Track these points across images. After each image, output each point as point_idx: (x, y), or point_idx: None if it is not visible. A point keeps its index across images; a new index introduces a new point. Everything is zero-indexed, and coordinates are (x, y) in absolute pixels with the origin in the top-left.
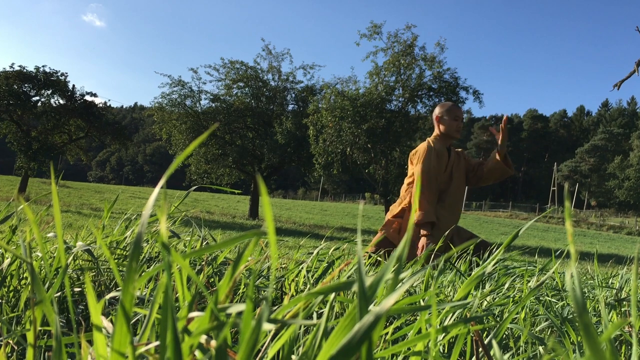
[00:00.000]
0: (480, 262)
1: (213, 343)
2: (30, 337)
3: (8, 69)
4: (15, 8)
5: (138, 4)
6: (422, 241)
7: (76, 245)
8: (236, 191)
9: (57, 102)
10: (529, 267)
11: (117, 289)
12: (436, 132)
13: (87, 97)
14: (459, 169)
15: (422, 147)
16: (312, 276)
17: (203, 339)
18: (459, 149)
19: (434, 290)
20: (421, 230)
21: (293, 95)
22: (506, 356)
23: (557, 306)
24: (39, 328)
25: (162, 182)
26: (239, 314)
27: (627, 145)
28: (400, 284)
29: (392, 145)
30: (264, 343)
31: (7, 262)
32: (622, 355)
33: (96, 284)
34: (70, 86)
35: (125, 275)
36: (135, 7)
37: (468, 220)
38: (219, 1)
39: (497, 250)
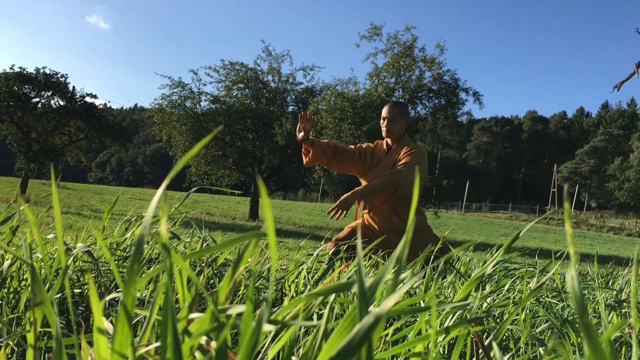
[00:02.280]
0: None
1: (213, 344)
2: (30, 338)
3: (8, 70)
4: (15, 8)
5: (138, 5)
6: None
7: (76, 246)
8: (236, 192)
9: (57, 103)
10: (529, 269)
11: (118, 290)
12: None
13: (87, 99)
14: (384, 166)
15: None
16: (312, 277)
17: (203, 340)
18: (411, 146)
19: (434, 291)
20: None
21: (293, 96)
22: (506, 357)
23: (557, 307)
24: (39, 329)
25: (164, 185)
26: (239, 315)
27: (627, 146)
28: (400, 285)
29: None
30: (264, 344)
31: (7, 263)
32: (622, 356)
33: (96, 286)
34: (71, 87)
35: (126, 277)
36: (136, 8)
37: (468, 221)
38: (219, 1)
39: (498, 252)
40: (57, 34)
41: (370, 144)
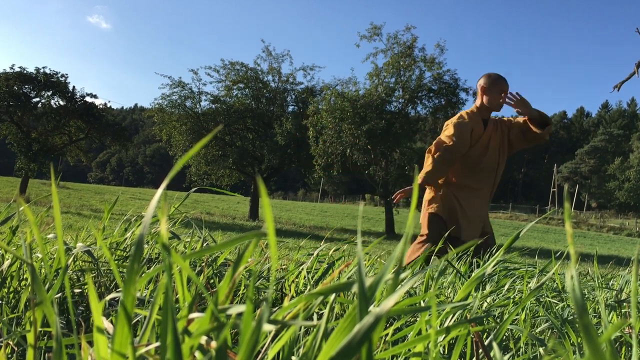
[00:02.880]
0: (482, 263)
1: (213, 344)
2: (30, 338)
3: (8, 70)
4: (16, 8)
5: (138, 5)
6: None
7: (76, 246)
8: (233, 194)
9: (57, 103)
10: (529, 269)
11: (118, 290)
12: (477, 103)
13: (87, 99)
14: (495, 142)
15: (454, 118)
16: (312, 277)
17: (203, 339)
18: (501, 118)
19: (434, 291)
20: (426, 190)
21: (293, 96)
22: (506, 357)
23: (557, 307)
24: (39, 329)
25: (163, 185)
26: (239, 315)
27: (627, 146)
28: (400, 285)
29: (392, 146)
30: (264, 344)
31: (7, 263)
32: (622, 356)
33: (96, 285)
34: (71, 87)
35: (126, 276)
36: (136, 8)
37: None
38: (220, 1)
39: (498, 252)
40: (58, 34)
41: (464, 118)
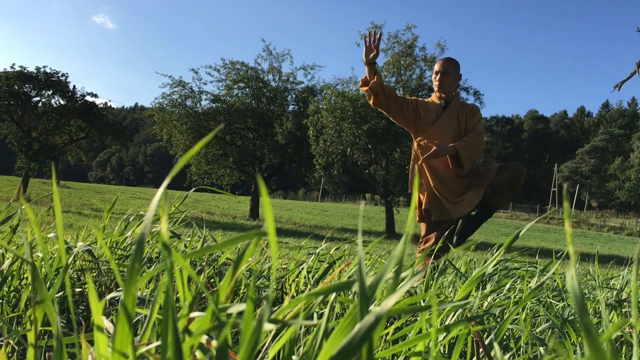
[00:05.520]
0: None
1: (214, 343)
2: (31, 337)
3: (9, 69)
4: (17, 8)
5: (138, 5)
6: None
7: (77, 245)
8: (233, 195)
9: (57, 102)
10: (529, 268)
11: (118, 289)
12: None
13: (88, 98)
14: (450, 126)
15: None
16: (313, 277)
17: (204, 339)
18: (470, 105)
19: (435, 290)
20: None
21: (293, 95)
22: (506, 356)
23: (557, 307)
24: (40, 328)
25: (164, 184)
26: (240, 314)
27: (628, 146)
28: (400, 285)
29: (392, 145)
30: (265, 343)
31: (8, 262)
32: (623, 356)
33: (97, 284)
34: (71, 87)
35: (126, 276)
36: (136, 8)
37: None
38: (220, 1)
39: (498, 251)
40: (60, 35)
41: (424, 99)
